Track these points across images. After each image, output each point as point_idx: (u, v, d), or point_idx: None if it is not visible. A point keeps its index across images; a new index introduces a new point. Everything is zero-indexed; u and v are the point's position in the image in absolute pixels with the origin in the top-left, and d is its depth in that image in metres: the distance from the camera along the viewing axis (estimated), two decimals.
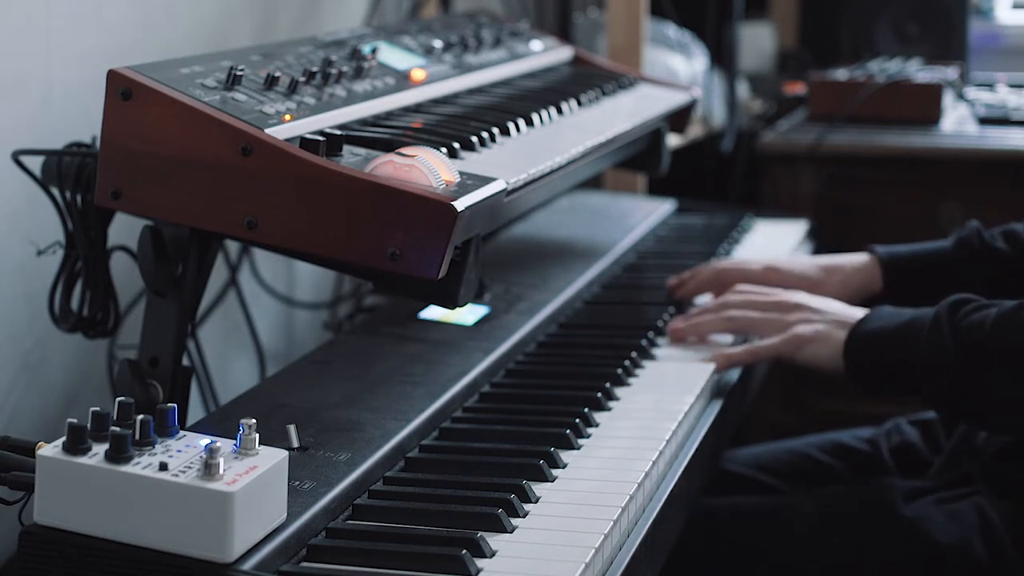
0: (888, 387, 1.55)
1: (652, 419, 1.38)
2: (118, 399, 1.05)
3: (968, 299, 1.50)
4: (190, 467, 0.99)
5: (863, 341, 1.53)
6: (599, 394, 1.42)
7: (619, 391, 1.46)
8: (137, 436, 1.01)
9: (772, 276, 1.80)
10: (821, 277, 1.79)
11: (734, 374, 1.59)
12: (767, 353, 1.58)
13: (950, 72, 3.00)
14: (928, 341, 1.47)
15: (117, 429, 1.00)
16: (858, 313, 1.57)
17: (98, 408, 1.03)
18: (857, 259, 1.82)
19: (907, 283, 1.79)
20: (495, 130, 1.50)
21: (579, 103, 1.76)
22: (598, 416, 1.39)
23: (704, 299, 1.79)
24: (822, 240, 2.31)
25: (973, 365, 1.45)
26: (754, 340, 1.62)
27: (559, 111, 1.68)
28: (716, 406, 1.50)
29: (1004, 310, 1.46)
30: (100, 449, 1.00)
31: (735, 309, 1.63)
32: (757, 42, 3.52)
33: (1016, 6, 3.75)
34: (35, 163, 1.39)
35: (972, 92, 3.09)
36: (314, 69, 1.43)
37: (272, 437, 1.18)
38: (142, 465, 0.99)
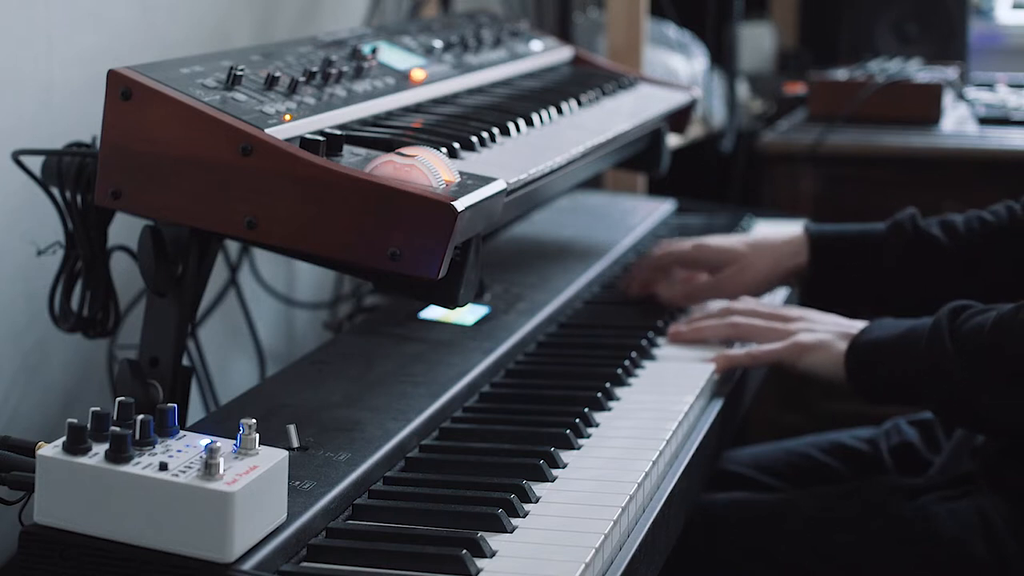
0: (890, 395, 1.55)
1: (652, 419, 1.38)
2: (118, 399, 1.05)
3: (967, 305, 1.51)
4: (190, 467, 0.99)
5: (864, 351, 1.54)
6: (599, 394, 1.42)
7: (619, 391, 1.46)
8: (137, 436, 1.01)
9: (701, 253, 1.80)
10: (748, 251, 1.79)
11: (735, 373, 1.59)
12: (768, 358, 1.58)
13: (950, 72, 3.00)
14: (928, 348, 1.48)
15: (117, 429, 1.00)
16: (859, 324, 1.58)
17: (98, 408, 1.03)
18: (787, 233, 1.82)
19: (832, 260, 1.78)
20: (495, 130, 1.50)
21: (579, 103, 1.76)
22: (598, 416, 1.39)
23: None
24: None
25: (973, 369, 1.45)
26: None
27: (559, 111, 1.68)
28: (716, 406, 1.50)
29: (1003, 313, 1.46)
30: (100, 449, 1.00)
31: (738, 316, 1.64)
32: (757, 42, 3.53)
33: (1016, 6, 3.76)
34: (35, 163, 1.39)
35: (972, 92, 3.09)
36: (314, 69, 1.43)
37: (272, 437, 1.18)
38: (142, 465, 0.99)
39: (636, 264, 1.85)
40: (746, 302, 1.70)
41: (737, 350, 1.60)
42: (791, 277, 1.79)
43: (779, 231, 1.83)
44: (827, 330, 1.59)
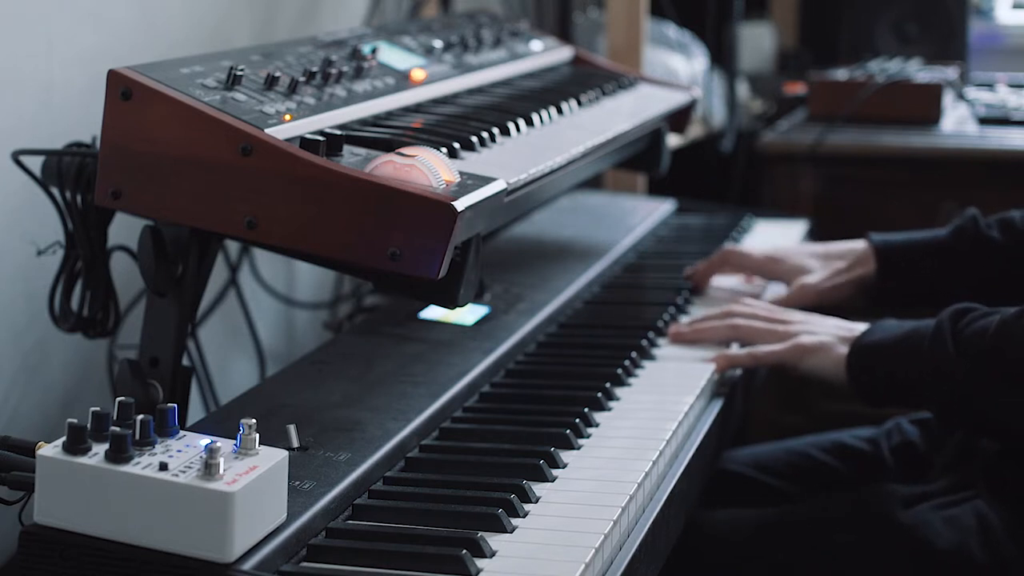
0: (891, 397, 1.56)
1: (652, 419, 1.38)
2: (118, 399, 1.05)
3: (969, 308, 1.51)
4: (190, 467, 0.99)
5: (865, 353, 1.54)
6: (599, 394, 1.42)
7: (619, 391, 1.46)
8: (137, 436, 1.01)
9: (777, 267, 1.83)
10: (819, 264, 1.83)
11: (735, 374, 1.59)
12: (769, 359, 1.59)
13: (950, 72, 3.00)
14: (930, 351, 1.48)
15: (117, 429, 1.00)
16: (860, 327, 1.58)
17: (98, 408, 1.03)
18: (855, 247, 1.84)
19: (901, 271, 1.81)
20: (495, 130, 1.50)
21: (579, 103, 1.76)
22: (598, 416, 1.39)
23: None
24: (821, 240, 2.31)
25: (975, 373, 1.45)
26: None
27: (559, 111, 1.68)
28: (716, 406, 1.50)
29: (1006, 317, 1.46)
30: (100, 449, 1.00)
31: (739, 317, 1.64)
32: (757, 42, 3.53)
33: (1016, 6, 3.75)
34: (35, 163, 1.39)
35: (972, 92, 3.09)
36: (314, 69, 1.43)
37: (272, 437, 1.18)
38: (142, 465, 0.99)
39: (710, 258, 1.89)
40: (748, 304, 1.70)
41: (738, 350, 1.60)
42: (857, 286, 1.82)
43: (844, 246, 1.86)
44: (828, 332, 1.59)
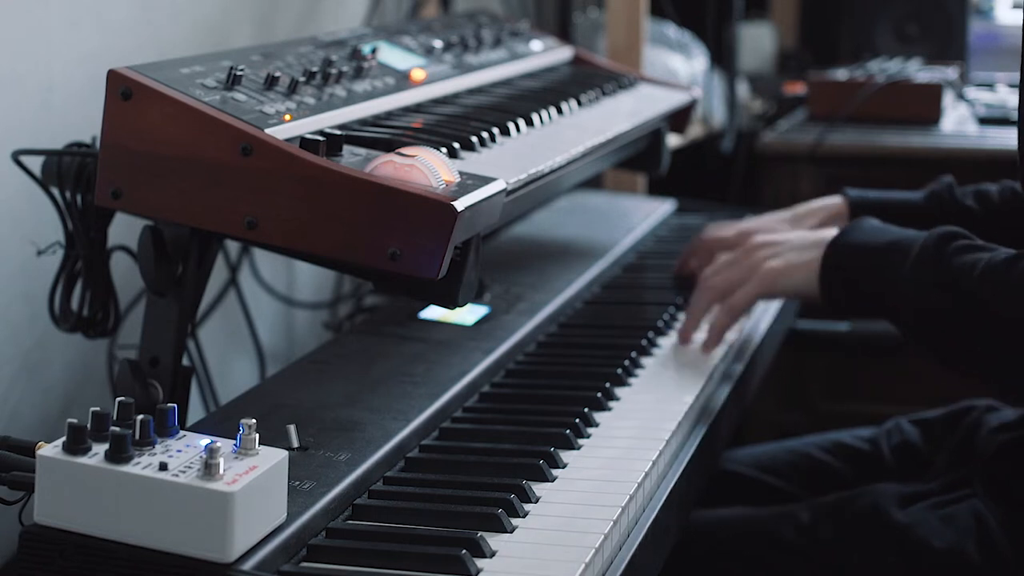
0: (857, 305, 1.54)
1: (652, 419, 1.38)
2: (118, 399, 1.05)
3: (957, 233, 1.47)
4: (190, 467, 0.99)
5: (843, 252, 1.52)
6: (599, 394, 1.42)
7: (619, 391, 1.46)
8: (137, 436, 1.01)
9: (747, 240, 1.81)
10: (792, 228, 1.81)
11: (735, 373, 1.59)
12: (745, 300, 1.58)
13: (950, 72, 3.01)
14: (912, 270, 1.45)
15: (117, 429, 1.00)
16: (827, 233, 1.57)
17: (98, 408, 1.03)
18: (830, 202, 1.84)
19: None
20: (495, 130, 1.50)
21: (579, 103, 1.76)
22: (598, 416, 1.39)
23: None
24: None
25: (954, 307, 1.42)
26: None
27: (559, 111, 1.68)
28: (717, 406, 1.50)
29: (995, 263, 1.41)
30: (100, 449, 1.00)
31: (709, 278, 1.63)
32: (757, 42, 3.53)
33: (1016, 6, 3.75)
34: (35, 163, 1.39)
35: (972, 92, 3.09)
36: (314, 69, 1.43)
37: (272, 437, 1.18)
38: (142, 465, 0.99)
39: (687, 247, 1.88)
40: (713, 265, 1.68)
41: (716, 316, 1.59)
42: None
43: (818, 202, 1.85)
44: (791, 247, 1.57)
